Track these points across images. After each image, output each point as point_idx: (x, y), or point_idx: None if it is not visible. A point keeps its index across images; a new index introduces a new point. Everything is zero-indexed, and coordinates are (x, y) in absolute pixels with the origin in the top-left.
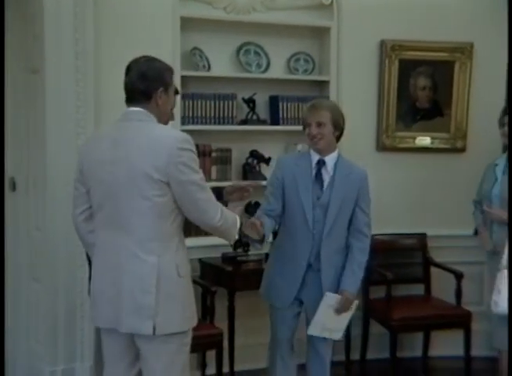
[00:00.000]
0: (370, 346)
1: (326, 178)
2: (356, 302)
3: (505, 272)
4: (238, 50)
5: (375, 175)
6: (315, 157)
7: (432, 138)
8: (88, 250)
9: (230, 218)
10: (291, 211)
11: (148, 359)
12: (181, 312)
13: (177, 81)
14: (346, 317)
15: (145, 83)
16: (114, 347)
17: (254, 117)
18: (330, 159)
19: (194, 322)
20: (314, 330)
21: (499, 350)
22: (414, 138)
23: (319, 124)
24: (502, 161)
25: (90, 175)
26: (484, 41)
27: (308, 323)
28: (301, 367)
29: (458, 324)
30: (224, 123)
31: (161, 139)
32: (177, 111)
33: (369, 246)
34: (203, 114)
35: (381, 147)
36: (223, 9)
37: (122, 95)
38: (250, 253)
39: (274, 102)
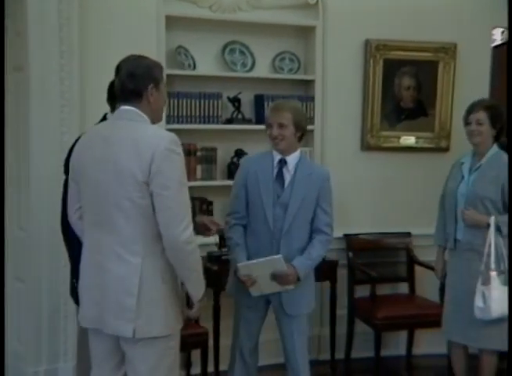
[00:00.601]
0: (355, 345)
1: (287, 177)
2: (291, 287)
3: (493, 275)
4: (223, 49)
5: (360, 175)
6: (277, 157)
7: (416, 137)
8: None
9: (197, 255)
10: (253, 210)
11: (132, 362)
12: (163, 316)
13: None
14: (273, 287)
15: (134, 81)
16: (100, 348)
17: (240, 116)
18: (292, 159)
19: (178, 327)
20: (243, 268)
21: (479, 349)
22: (399, 137)
23: (281, 126)
24: (468, 160)
25: (80, 173)
26: (467, 42)
27: (277, 322)
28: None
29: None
30: (209, 122)
31: (147, 140)
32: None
33: (331, 243)
34: (189, 113)
35: (366, 147)
36: (208, 8)
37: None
38: None
39: (259, 101)
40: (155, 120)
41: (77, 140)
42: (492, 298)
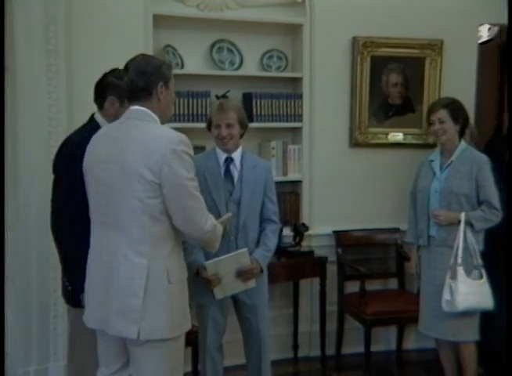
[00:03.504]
0: (345, 341)
1: (235, 173)
2: (253, 281)
3: (460, 270)
4: (211, 47)
5: (348, 171)
6: (222, 156)
7: (404, 134)
8: None
9: (217, 232)
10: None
11: (136, 363)
12: (168, 319)
13: None
14: (237, 287)
15: (144, 79)
16: (107, 348)
17: None
18: (237, 155)
19: (184, 329)
20: (211, 267)
21: (454, 342)
22: (387, 134)
23: (229, 126)
24: (437, 157)
25: (88, 173)
26: (453, 39)
27: (240, 321)
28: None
29: None
30: (198, 120)
31: (156, 139)
32: None
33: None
34: (177, 112)
35: (354, 143)
36: (196, 7)
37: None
38: None
39: (247, 99)
40: (164, 118)
41: (66, 140)
42: (458, 292)
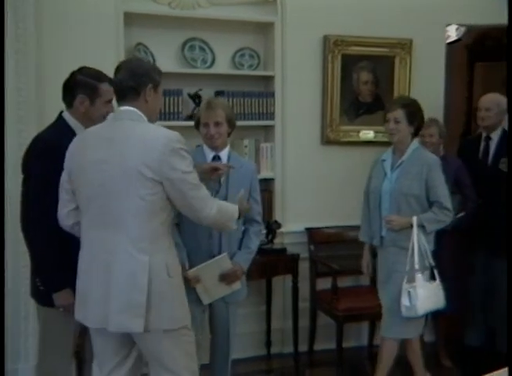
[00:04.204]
0: (318, 337)
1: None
2: (239, 283)
3: (418, 275)
4: (183, 46)
5: (320, 169)
6: (210, 153)
7: (375, 131)
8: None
9: (228, 212)
10: None
11: (152, 356)
12: (170, 311)
13: None
14: (222, 290)
15: (134, 79)
16: (105, 346)
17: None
18: (224, 154)
19: (185, 321)
20: (193, 274)
21: (384, 336)
22: (358, 131)
23: (217, 124)
24: (388, 157)
25: (79, 174)
26: (422, 38)
27: (211, 319)
28: None
29: None
30: (170, 119)
31: (155, 138)
32: None
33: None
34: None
35: (326, 141)
36: (167, 5)
37: None
38: None
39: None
40: (150, 121)
41: (35, 139)
42: (417, 297)
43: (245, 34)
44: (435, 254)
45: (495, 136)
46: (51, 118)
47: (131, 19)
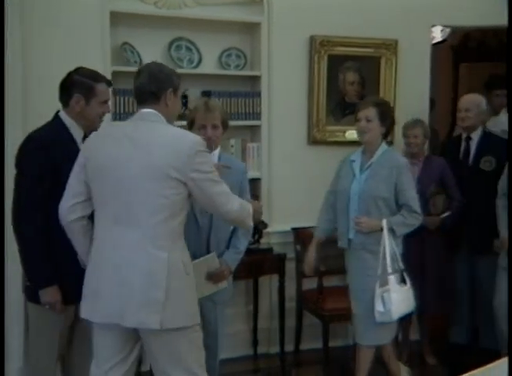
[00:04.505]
0: (304, 337)
1: None
2: (225, 282)
3: (391, 279)
4: (169, 45)
5: (306, 169)
6: None
7: None
8: (72, 237)
9: (246, 208)
10: None
11: (160, 355)
12: (185, 308)
13: (107, 77)
14: (210, 288)
15: (155, 84)
16: (110, 342)
17: (187, 112)
18: (215, 154)
19: (197, 319)
20: None
21: (359, 344)
22: (344, 131)
23: (215, 126)
24: (358, 157)
25: (98, 170)
26: (407, 39)
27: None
28: None
29: None
30: None
31: (181, 141)
32: None
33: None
34: (135, 110)
35: (312, 141)
36: (153, 4)
37: (50, 91)
38: None
39: (206, 97)
40: (169, 123)
41: (30, 136)
42: (391, 302)
43: (231, 34)
44: (421, 253)
45: (476, 136)
46: (35, 118)
47: (117, 18)
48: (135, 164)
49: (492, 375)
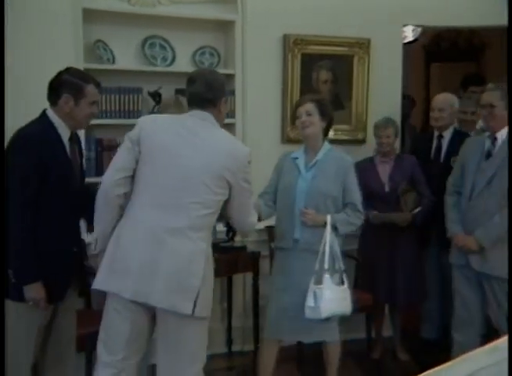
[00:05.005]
0: None
1: None
2: None
3: (325, 277)
4: (143, 43)
5: None
6: None
7: (334, 130)
8: (107, 211)
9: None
10: None
11: (177, 340)
12: (210, 299)
13: None
14: None
15: (212, 92)
16: (132, 325)
17: (160, 110)
18: None
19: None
20: None
21: (324, 341)
22: None
23: None
24: (301, 155)
25: (152, 152)
26: (380, 38)
27: None
28: None
29: (361, 309)
30: (129, 117)
31: (238, 148)
32: None
33: None
34: (108, 108)
35: (286, 139)
36: (127, 2)
37: (21, 88)
38: None
39: (180, 95)
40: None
41: (19, 132)
42: (323, 299)
43: (205, 32)
44: (392, 250)
45: (447, 134)
46: (7, 117)
47: (90, 15)
48: (193, 156)
49: (460, 369)
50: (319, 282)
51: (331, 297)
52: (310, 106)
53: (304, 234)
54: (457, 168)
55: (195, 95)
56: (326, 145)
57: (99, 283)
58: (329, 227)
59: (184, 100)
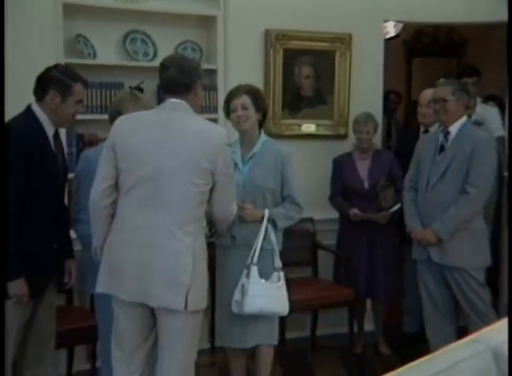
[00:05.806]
0: None
1: None
2: None
3: (254, 270)
4: (124, 38)
5: None
6: None
7: (317, 125)
8: (99, 222)
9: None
10: None
11: (172, 335)
12: (204, 290)
13: None
14: None
15: (187, 76)
16: (134, 321)
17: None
18: None
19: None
20: None
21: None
22: (300, 125)
23: None
24: (236, 148)
25: (129, 154)
26: (361, 33)
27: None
28: None
29: (343, 303)
30: None
31: (213, 133)
32: None
33: None
34: (89, 103)
35: (268, 135)
36: None
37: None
38: None
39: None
40: (195, 112)
41: (5, 128)
42: (248, 293)
43: (187, 27)
44: (371, 245)
45: (433, 130)
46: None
47: (70, 10)
48: (168, 152)
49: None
50: (248, 276)
51: (257, 293)
52: (245, 99)
53: (242, 230)
54: (413, 164)
55: (170, 80)
56: (263, 136)
57: (100, 286)
58: (265, 222)
59: (141, 94)
